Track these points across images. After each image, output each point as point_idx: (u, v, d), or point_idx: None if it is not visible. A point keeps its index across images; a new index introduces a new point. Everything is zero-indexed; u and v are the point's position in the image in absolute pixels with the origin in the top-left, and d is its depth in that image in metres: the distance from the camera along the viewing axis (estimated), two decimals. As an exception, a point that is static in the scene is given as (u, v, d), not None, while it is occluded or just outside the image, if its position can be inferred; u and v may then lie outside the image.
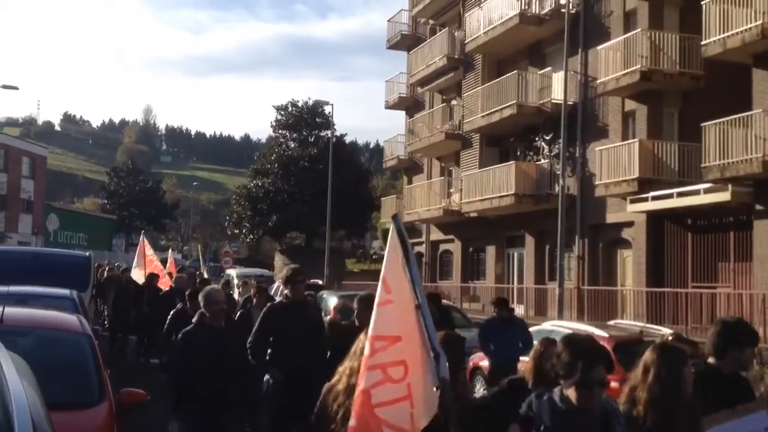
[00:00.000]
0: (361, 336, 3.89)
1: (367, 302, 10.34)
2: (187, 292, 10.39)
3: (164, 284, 17.12)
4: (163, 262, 23.22)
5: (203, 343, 6.67)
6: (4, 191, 53.24)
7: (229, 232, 54.08)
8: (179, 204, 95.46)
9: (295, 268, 8.06)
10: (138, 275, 18.72)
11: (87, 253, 16.64)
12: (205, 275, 24.84)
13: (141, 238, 20.33)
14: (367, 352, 3.57)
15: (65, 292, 10.36)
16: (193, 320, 7.02)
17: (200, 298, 6.99)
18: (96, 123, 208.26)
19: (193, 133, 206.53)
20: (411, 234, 35.76)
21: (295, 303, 7.77)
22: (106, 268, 23.45)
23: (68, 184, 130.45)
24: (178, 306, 10.39)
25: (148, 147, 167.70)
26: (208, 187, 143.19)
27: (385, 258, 3.66)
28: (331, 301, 19.49)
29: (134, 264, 19.78)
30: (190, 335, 6.86)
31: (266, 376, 7.87)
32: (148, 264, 18.67)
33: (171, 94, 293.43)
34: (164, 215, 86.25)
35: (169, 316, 10.25)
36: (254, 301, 10.90)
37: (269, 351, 7.76)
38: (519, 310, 25.31)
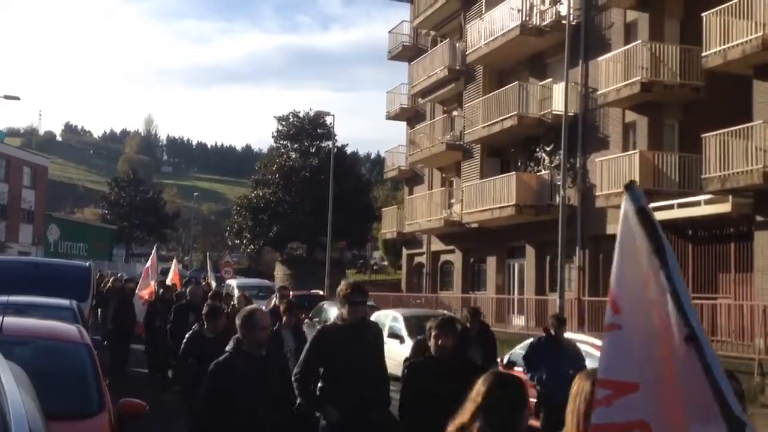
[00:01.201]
0: (578, 378, 2.87)
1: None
2: (204, 311, 9.10)
3: (147, 295, 16.91)
4: (165, 272, 23.09)
5: (243, 378, 5.33)
6: (5, 201, 53.27)
7: (230, 243, 54.12)
8: (180, 214, 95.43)
9: (353, 283, 6.52)
10: (150, 291, 17.78)
11: (87, 264, 16.65)
12: (213, 283, 24.62)
13: (153, 252, 19.67)
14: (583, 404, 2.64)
15: (65, 302, 10.36)
16: (227, 348, 5.59)
17: (239, 321, 5.54)
18: (97, 133, 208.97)
19: (194, 143, 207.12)
20: (412, 245, 35.80)
21: (354, 326, 6.21)
22: (111, 279, 23.17)
23: (69, 194, 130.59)
24: (194, 327, 9.16)
25: (149, 157, 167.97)
26: (209, 198, 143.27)
27: (616, 256, 2.23)
28: (332, 311, 19.51)
29: (144, 279, 18.51)
30: (223, 368, 5.45)
31: (321, 421, 6.34)
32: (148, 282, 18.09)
33: (173, 105, 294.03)
34: (165, 225, 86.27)
35: (186, 339, 8.99)
36: (284, 319, 9.61)
37: (320, 385, 6.44)
38: (519, 321, 25.30)
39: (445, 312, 22.73)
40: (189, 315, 11.94)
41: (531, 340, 11.72)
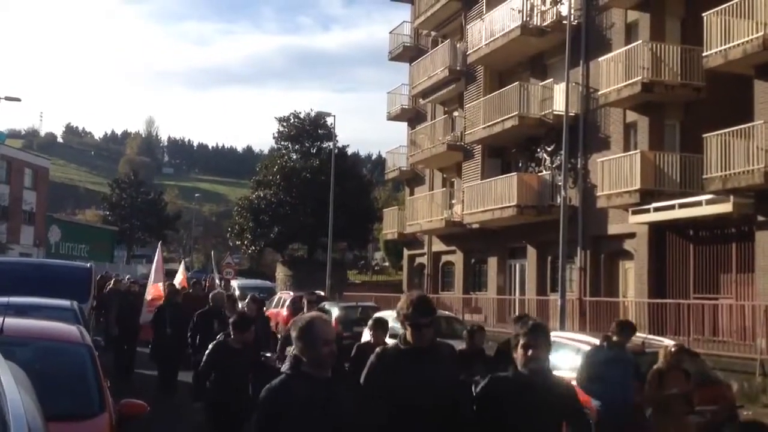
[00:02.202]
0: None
1: (377, 323, 10.00)
2: (232, 320, 8.14)
3: (156, 300, 15.59)
4: (170, 274, 22.71)
5: (305, 408, 4.12)
6: (6, 203, 53.30)
7: (231, 244, 54.11)
8: (181, 215, 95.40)
9: (417, 299, 4.80)
10: (158, 293, 16.40)
11: (88, 265, 16.65)
12: (217, 282, 24.18)
13: (158, 250, 17.92)
14: None
15: (66, 303, 10.36)
16: (283, 368, 4.41)
17: (295, 332, 4.28)
18: (98, 135, 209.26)
19: (195, 144, 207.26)
20: (413, 245, 35.79)
21: (420, 351, 4.71)
22: (113, 280, 22.62)
23: (70, 195, 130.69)
24: (219, 337, 8.31)
25: (150, 159, 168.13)
26: (210, 199, 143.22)
27: None
28: (333, 312, 19.51)
29: (152, 280, 17.17)
30: (278, 395, 4.15)
31: None
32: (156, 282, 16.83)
33: (174, 106, 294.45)
34: (166, 227, 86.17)
35: (209, 350, 8.15)
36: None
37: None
38: (521, 322, 25.24)
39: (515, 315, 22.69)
40: (213, 322, 11.36)
41: (587, 348, 10.96)
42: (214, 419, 7.94)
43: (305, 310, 10.18)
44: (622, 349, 8.94)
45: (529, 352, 4.31)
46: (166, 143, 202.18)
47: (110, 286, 20.23)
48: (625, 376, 8.52)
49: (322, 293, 28.48)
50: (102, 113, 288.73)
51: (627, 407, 8.44)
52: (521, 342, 4.35)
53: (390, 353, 4.89)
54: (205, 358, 8.15)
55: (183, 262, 28.96)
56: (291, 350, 6.54)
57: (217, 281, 24.36)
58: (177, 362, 13.77)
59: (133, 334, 16.06)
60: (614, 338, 9.04)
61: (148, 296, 16.45)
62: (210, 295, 13.17)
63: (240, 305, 14.30)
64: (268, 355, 10.43)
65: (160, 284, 16.36)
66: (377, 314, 19.61)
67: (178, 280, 21.91)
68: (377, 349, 5.03)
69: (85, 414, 5.65)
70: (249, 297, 13.71)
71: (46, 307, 9.64)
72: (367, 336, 18.73)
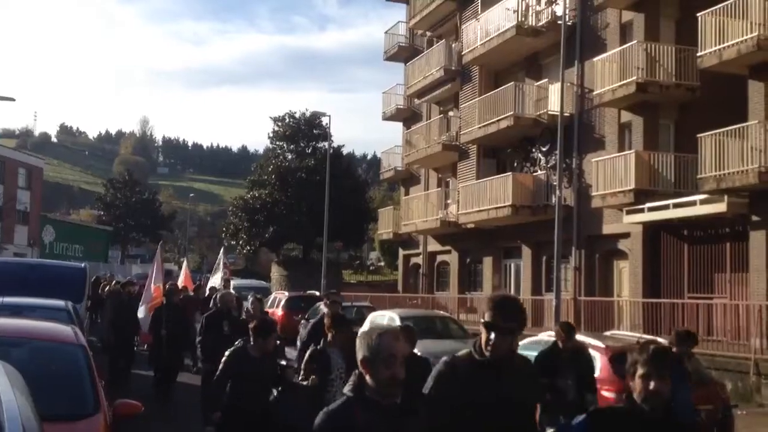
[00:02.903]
0: None
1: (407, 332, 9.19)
2: (253, 326, 7.42)
3: (156, 301, 14.41)
4: (166, 274, 22.15)
5: None
6: (0, 202, 53.15)
7: (226, 244, 54.02)
8: (176, 215, 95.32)
9: (505, 298, 4.10)
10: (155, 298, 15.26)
11: (82, 265, 16.64)
12: (217, 284, 23.00)
13: (158, 251, 16.53)
14: None
15: (60, 303, 10.36)
16: (345, 389, 3.63)
17: (362, 347, 3.53)
18: (92, 134, 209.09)
19: (190, 144, 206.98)
20: (408, 245, 35.80)
21: (491, 364, 4.01)
22: (113, 282, 20.55)
23: (64, 195, 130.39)
24: (237, 343, 7.50)
25: (144, 158, 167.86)
26: (205, 199, 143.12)
27: None
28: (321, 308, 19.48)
29: (152, 281, 15.57)
30: (341, 424, 3.47)
31: None
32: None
33: (168, 106, 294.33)
34: (161, 227, 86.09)
35: (226, 357, 7.38)
36: (329, 336, 7.38)
37: None
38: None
39: (441, 314, 22.70)
40: (222, 324, 10.77)
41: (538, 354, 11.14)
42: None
43: (328, 311, 8.95)
44: (681, 361, 7.81)
45: (651, 385, 3.57)
46: (160, 143, 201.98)
47: (108, 288, 19.37)
48: (684, 395, 7.36)
49: (317, 293, 28.46)
50: (96, 113, 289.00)
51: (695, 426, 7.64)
52: (639, 371, 3.63)
53: (461, 363, 4.14)
54: (221, 366, 7.27)
55: (185, 261, 27.96)
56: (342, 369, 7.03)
57: (218, 284, 23.50)
58: (173, 366, 13.32)
59: (129, 339, 15.10)
60: (673, 349, 7.73)
61: (147, 299, 15.09)
62: (217, 296, 12.38)
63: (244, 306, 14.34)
64: (284, 363, 9.58)
65: (160, 285, 15.05)
66: (373, 314, 19.67)
67: (181, 279, 21.46)
68: (446, 360, 4.24)
69: (79, 414, 5.64)
70: (252, 297, 13.52)
71: (41, 308, 9.64)
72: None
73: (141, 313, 14.66)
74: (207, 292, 19.34)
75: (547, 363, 8.27)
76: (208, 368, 8.95)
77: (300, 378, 7.44)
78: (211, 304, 16.90)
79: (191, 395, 12.56)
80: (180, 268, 28.31)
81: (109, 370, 13.26)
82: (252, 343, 7.31)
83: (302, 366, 8.04)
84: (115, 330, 14.59)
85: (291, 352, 13.36)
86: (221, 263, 23.64)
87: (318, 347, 7.35)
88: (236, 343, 7.55)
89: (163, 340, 13.01)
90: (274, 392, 7.55)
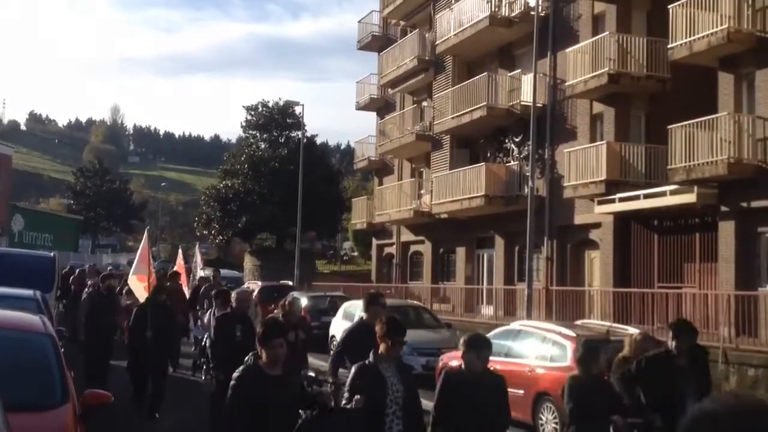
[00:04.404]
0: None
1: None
2: (259, 332, 5.64)
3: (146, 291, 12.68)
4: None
5: None
6: (-32, 191, 52.33)
7: (198, 233, 53.66)
8: (147, 205, 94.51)
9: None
10: (138, 288, 13.53)
11: (51, 254, 16.43)
12: (198, 275, 21.18)
13: (144, 236, 14.30)
14: None
15: (29, 292, 10.23)
16: None
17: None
18: (62, 122, 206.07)
19: (161, 132, 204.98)
20: (381, 235, 35.82)
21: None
22: (107, 274, 15.64)
23: (33, 184, 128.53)
24: (248, 360, 5.63)
25: (115, 147, 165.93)
26: (177, 188, 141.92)
27: None
28: (302, 302, 19.46)
29: (133, 270, 14.04)
30: None
31: None
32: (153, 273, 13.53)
33: (139, 94, 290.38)
34: (132, 216, 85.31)
35: (238, 376, 5.41)
36: (381, 348, 5.87)
37: None
38: (488, 311, 25.44)
39: (416, 302, 22.78)
40: (235, 329, 9.14)
41: (555, 337, 11.12)
42: None
43: (381, 315, 6.52)
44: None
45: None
46: (131, 131, 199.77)
47: (90, 282, 16.92)
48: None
49: (290, 283, 28.40)
50: (66, 100, 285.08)
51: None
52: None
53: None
54: (233, 386, 5.38)
55: (180, 247, 25.76)
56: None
57: (200, 272, 22.42)
58: (161, 374, 11.51)
59: (107, 339, 13.07)
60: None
61: (134, 289, 13.69)
62: (234, 294, 10.14)
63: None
64: (312, 374, 8.47)
65: (146, 275, 13.29)
66: (348, 303, 19.64)
67: (177, 265, 20.06)
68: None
69: (47, 404, 5.58)
70: (238, 288, 12.04)
71: (8, 297, 9.50)
72: (336, 325, 18.74)
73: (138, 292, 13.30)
74: (196, 284, 19.01)
75: (655, 374, 6.81)
76: (223, 386, 6.79)
77: (343, 399, 5.93)
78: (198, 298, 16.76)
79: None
80: (154, 258, 27.43)
81: (86, 367, 12.11)
82: (264, 358, 5.44)
83: (329, 368, 7.77)
84: (95, 329, 12.75)
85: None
86: (197, 254, 23.44)
87: (367, 362, 5.84)
88: (246, 359, 5.62)
89: (148, 343, 11.23)
90: (303, 415, 5.58)
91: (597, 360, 6.68)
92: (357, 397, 5.60)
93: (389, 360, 5.85)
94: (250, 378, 5.36)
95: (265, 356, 5.39)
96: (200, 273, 22.54)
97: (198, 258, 24.90)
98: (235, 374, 5.43)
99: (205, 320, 12.01)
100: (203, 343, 13.36)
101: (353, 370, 5.95)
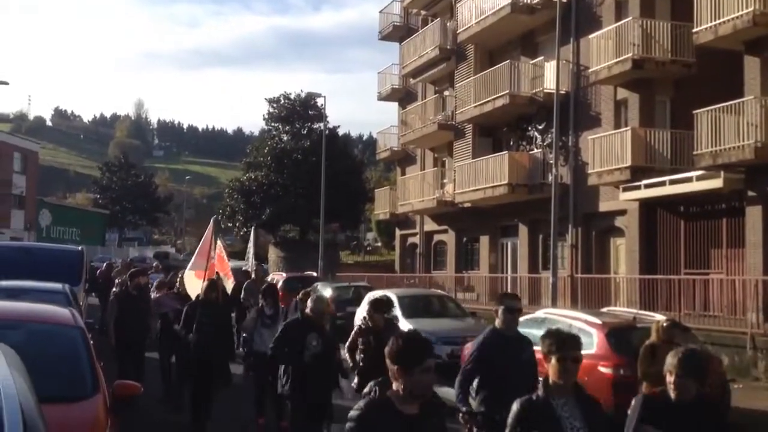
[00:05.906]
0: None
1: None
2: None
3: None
4: (160, 257, 20.81)
5: None
6: (-4, 187, 53.07)
7: (223, 226, 53.98)
8: (172, 198, 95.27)
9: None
10: (193, 285, 11.14)
11: (79, 248, 16.61)
12: (252, 272, 18.74)
13: (210, 226, 12.19)
14: None
15: (57, 286, 10.37)
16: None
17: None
18: (87, 118, 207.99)
19: (185, 126, 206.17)
20: (405, 225, 35.82)
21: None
22: (135, 270, 13.68)
23: (60, 179, 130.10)
24: (373, 388, 4.43)
25: (140, 141, 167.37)
26: (201, 181, 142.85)
27: None
28: (326, 292, 19.56)
29: (190, 266, 11.78)
30: None
31: None
32: (210, 268, 11.45)
33: (163, 88, 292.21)
34: (157, 209, 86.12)
35: (359, 414, 3.74)
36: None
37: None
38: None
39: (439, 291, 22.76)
40: (309, 338, 7.86)
41: (580, 325, 10.85)
42: None
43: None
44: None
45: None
46: (155, 126, 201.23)
47: (117, 281, 15.62)
48: None
49: (314, 274, 28.50)
50: (91, 96, 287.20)
51: None
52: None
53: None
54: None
55: (220, 241, 23.43)
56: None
57: (252, 271, 19.35)
58: (211, 380, 9.86)
59: (139, 344, 11.81)
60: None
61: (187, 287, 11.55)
62: (312, 299, 8.45)
63: None
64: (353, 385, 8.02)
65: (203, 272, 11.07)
66: (372, 293, 19.69)
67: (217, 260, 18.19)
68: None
69: (78, 395, 5.65)
70: (314, 294, 9.42)
71: (38, 291, 9.65)
72: (360, 314, 18.80)
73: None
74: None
75: None
76: (284, 397, 6.71)
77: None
78: (242, 295, 15.60)
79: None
80: (179, 252, 26.97)
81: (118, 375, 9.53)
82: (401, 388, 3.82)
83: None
84: (124, 334, 11.47)
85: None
86: (251, 247, 21.99)
87: (534, 396, 4.23)
88: (368, 390, 4.29)
89: (191, 344, 9.82)
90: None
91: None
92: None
93: (565, 392, 4.20)
94: (378, 418, 3.61)
95: (405, 385, 3.61)
96: (245, 266, 20.88)
97: (251, 249, 22.90)
98: (354, 412, 3.65)
99: (248, 319, 10.52)
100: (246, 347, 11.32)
101: (515, 407, 4.25)
